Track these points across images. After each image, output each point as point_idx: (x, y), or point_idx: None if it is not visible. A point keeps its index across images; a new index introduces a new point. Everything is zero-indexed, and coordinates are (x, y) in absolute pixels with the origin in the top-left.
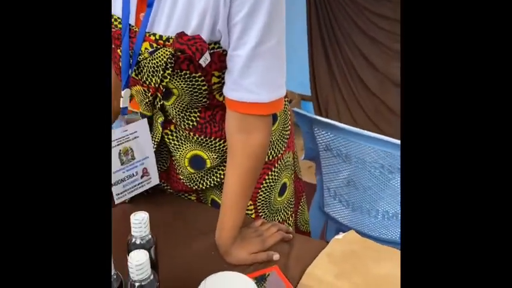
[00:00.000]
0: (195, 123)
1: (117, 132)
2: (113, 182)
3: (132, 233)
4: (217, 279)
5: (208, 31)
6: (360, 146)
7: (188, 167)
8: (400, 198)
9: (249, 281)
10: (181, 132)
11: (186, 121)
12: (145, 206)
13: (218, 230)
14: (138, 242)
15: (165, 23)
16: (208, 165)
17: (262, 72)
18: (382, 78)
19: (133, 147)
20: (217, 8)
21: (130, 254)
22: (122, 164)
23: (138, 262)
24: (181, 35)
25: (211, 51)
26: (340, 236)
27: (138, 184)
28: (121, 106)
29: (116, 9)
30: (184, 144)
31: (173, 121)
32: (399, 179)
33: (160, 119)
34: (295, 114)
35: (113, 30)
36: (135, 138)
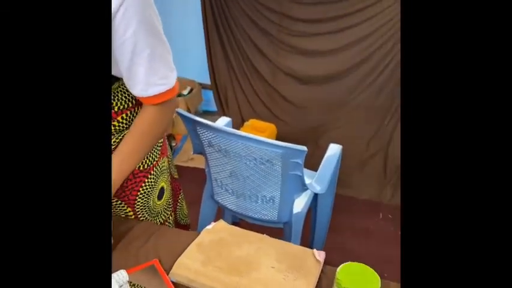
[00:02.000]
0: None
1: None
2: None
3: None
4: None
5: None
6: (235, 143)
7: None
8: (272, 185)
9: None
10: None
11: None
12: None
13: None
14: None
15: None
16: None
17: (162, 66)
18: (273, 67)
19: None
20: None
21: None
22: None
23: None
24: None
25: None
26: (210, 226)
27: None
28: None
29: None
30: None
31: None
32: (271, 168)
33: None
34: (179, 114)
35: None
36: None
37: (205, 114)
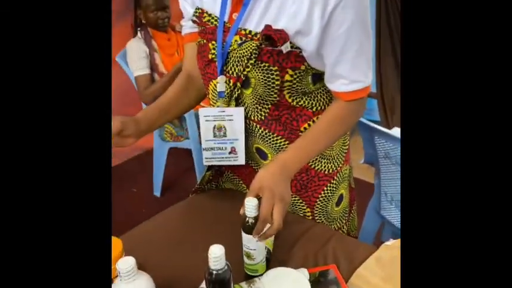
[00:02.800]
0: (263, 117)
1: (215, 111)
2: (204, 147)
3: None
4: (274, 273)
5: (292, 34)
6: None
7: (256, 155)
8: None
9: (302, 277)
10: (250, 123)
11: (257, 113)
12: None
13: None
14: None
15: (256, 21)
16: (270, 158)
17: (364, 64)
18: None
19: (226, 127)
20: (310, 20)
21: (210, 248)
22: (214, 136)
23: (216, 255)
24: (269, 26)
25: (290, 49)
26: (390, 242)
27: (225, 157)
28: (218, 90)
29: (215, 10)
30: (250, 136)
31: (246, 111)
32: None
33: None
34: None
35: (208, 26)
36: (230, 120)
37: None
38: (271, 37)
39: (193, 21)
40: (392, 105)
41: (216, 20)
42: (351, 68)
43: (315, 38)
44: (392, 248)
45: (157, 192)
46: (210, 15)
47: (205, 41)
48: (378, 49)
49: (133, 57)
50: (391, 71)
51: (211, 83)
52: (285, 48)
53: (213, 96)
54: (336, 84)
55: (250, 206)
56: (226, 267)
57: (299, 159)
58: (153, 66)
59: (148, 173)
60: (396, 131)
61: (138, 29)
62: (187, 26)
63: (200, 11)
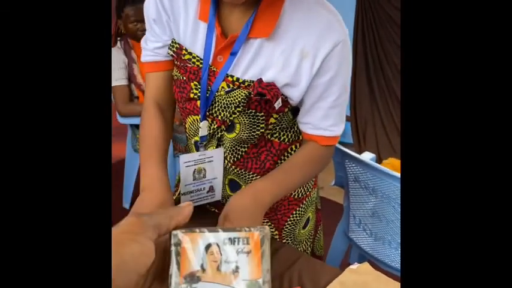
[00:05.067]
0: (239, 157)
1: (195, 156)
2: (183, 192)
3: None
4: None
5: (280, 86)
6: (386, 183)
7: (228, 190)
8: None
9: None
10: (226, 163)
11: (235, 153)
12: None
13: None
14: None
15: (243, 69)
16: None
17: (337, 116)
18: None
19: (206, 168)
20: (299, 73)
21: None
22: (194, 180)
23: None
24: (260, 81)
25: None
26: (355, 266)
27: (203, 197)
28: (200, 135)
29: (196, 50)
30: (224, 172)
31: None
32: None
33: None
34: None
35: (190, 66)
36: (209, 162)
37: (340, 145)
38: (265, 94)
39: (171, 55)
40: (365, 128)
41: (198, 61)
42: (322, 117)
43: (303, 88)
44: (356, 272)
45: (126, 204)
46: (190, 53)
47: (185, 78)
48: (353, 72)
49: (111, 67)
50: (364, 94)
51: (190, 117)
52: (277, 104)
53: (190, 130)
54: (305, 127)
55: None
56: None
57: (274, 192)
58: (130, 77)
59: (119, 183)
60: (366, 156)
61: (118, 39)
62: (152, 53)
63: (178, 45)
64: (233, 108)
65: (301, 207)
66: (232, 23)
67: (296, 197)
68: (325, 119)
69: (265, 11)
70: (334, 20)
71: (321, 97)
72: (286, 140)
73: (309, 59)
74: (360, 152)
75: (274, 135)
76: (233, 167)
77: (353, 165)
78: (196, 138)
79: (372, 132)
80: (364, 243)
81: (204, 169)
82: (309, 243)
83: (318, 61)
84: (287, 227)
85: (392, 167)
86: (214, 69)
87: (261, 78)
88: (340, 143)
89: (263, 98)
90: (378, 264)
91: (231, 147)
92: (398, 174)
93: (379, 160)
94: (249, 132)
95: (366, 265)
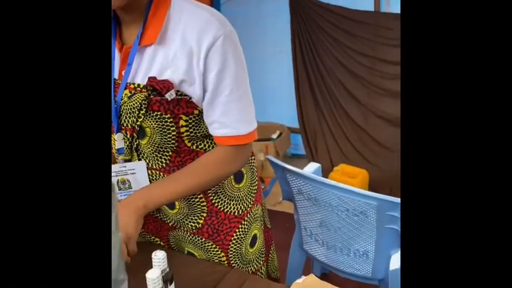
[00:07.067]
0: (164, 165)
1: (116, 167)
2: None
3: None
4: None
5: (177, 83)
6: (326, 193)
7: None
8: (366, 238)
9: None
10: (153, 172)
11: (157, 161)
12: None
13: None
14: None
15: (142, 76)
16: (177, 206)
17: (239, 113)
18: (365, 110)
19: (130, 180)
20: (191, 70)
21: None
22: (120, 189)
23: (153, 276)
24: (152, 77)
25: (179, 97)
26: (301, 280)
27: None
28: (117, 147)
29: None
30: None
31: (147, 161)
32: (364, 220)
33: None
34: (268, 160)
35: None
36: (132, 173)
37: (294, 158)
38: (155, 87)
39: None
40: (315, 138)
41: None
42: (222, 113)
43: (199, 85)
44: (302, 285)
45: None
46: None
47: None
48: (297, 85)
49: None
50: (310, 106)
51: (112, 135)
52: (169, 96)
53: (113, 146)
54: (212, 127)
55: (156, 259)
56: None
57: (148, 198)
58: None
59: None
60: (311, 167)
61: None
62: None
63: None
64: (137, 112)
65: (244, 224)
66: (130, 36)
67: (236, 213)
68: (226, 114)
69: (151, 20)
70: (213, 18)
71: (215, 92)
72: (211, 149)
73: (195, 56)
74: (313, 161)
75: (195, 144)
76: (161, 174)
77: (294, 178)
78: (121, 157)
79: (322, 141)
80: (318, 253)
81: (128, 180)
82: (260, 263)
83: (202, 57)
84: (232, 247)
85: (342, 173)
86: (119, 81)
87: (154, 76)
88: (294, 155)
89: (157, 92)
90: (336, 273)
91: (151, 155)
92: (334, 182)
93: (331, 167)
94: (161, 136)
95: (311, 277)
